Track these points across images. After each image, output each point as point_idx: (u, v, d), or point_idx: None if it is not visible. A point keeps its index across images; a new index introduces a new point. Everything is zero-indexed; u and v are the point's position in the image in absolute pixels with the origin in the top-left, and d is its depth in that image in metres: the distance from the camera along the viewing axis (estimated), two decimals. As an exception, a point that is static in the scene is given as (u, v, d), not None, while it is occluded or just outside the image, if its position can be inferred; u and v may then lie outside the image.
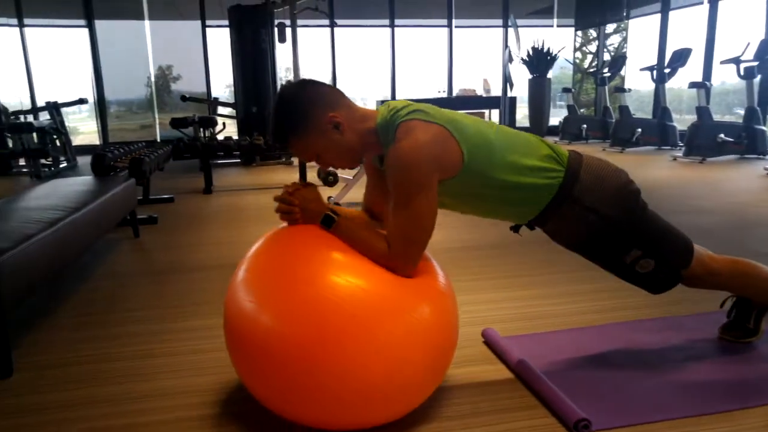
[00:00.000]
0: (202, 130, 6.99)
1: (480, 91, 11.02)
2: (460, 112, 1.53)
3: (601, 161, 1.57)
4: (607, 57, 11.20)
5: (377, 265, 1.36)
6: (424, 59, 11.56)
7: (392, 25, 10.72)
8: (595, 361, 1.79)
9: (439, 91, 10.98)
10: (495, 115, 10.65)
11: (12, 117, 7.56)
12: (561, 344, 1.91)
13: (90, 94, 9.47)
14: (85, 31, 9.40)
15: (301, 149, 1.46)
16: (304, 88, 1.44)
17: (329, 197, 4.41)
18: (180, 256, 3.21)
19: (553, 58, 10.90)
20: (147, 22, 9.85)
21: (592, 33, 11.80)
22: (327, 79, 11.78)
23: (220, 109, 8.23)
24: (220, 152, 6.03)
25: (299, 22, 9.05)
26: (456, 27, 11.06)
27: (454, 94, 11.04)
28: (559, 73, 12.34)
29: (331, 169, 4.53)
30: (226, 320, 1.40)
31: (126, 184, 3.39)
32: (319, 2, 6.91)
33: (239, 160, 7.55)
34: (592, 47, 12.03)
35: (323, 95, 1.43)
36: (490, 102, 10.75)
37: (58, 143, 7.42)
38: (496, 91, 11.12)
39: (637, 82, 10.75)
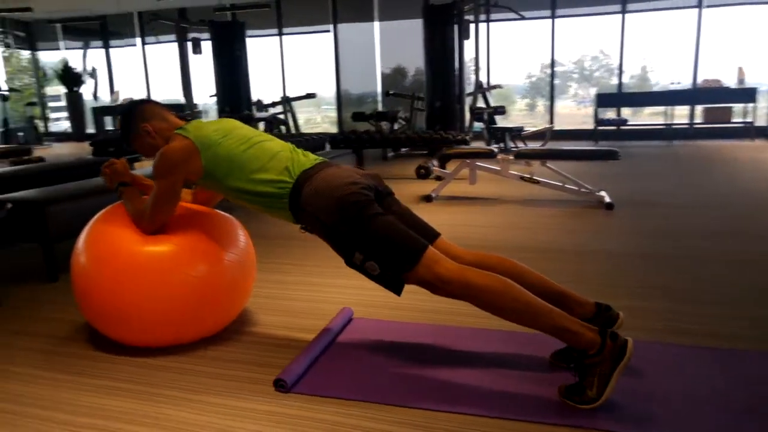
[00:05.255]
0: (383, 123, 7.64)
1: (729, 82, 9.31)
2: (231, 128, 1.92)
3: (335, 176, 1.74)
4: None
5: (173, 233, 1.91)
6: (659, 46, 10.26)
7: (623, 12, 9.79)
8: (393, 349, 1.88)
9: (672, 83, 9.65)
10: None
11: (263, 109, 9.43)
12: (392, 332, 2.02)
13: (332, 90, 11.03)
14: (330, 35, 10.97)
15: (134, 147, 2.02)
16: (135, 106, 2.00)
17: (430, 193, 4.56)
18: (265, 226, 3.82)
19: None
20: (377, 24, 10.97)
21: None
22: (539, 71, 11.43)
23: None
24: (401, 144, 6.22)
25: (498, 16, 9.02)
26: (707, 6, 9.53)
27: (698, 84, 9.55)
28: None
29: (423, 163, 5.20)
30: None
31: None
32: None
33: (425, 152, 7.96)
34: None
35: (143, 111, 1.98)
36: (741, 95, 9.00)
37: (283, 130, 8.94)
38: (753, 81, 9.26)
39: None
